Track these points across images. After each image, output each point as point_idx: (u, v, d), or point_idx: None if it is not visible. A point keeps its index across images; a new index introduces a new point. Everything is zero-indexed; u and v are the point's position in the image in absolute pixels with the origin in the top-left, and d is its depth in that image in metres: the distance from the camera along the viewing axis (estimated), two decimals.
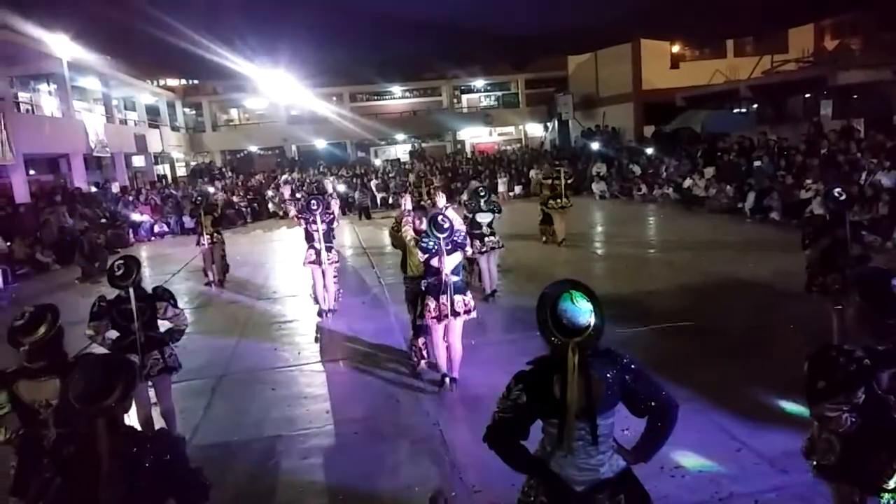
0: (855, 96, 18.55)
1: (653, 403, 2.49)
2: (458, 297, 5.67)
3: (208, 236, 11.02)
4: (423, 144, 36.35)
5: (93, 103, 27.13)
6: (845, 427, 2.62)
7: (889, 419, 2.64)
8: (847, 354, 2.58)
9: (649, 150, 22.87)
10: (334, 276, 8.82)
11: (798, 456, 3.08)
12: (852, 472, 2.74)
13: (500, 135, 38.46)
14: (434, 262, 5.63)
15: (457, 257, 5.72)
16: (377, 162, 34.17)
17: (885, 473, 2.66)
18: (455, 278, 5.70)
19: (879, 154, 13.41)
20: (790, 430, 4.27)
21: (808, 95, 21.06)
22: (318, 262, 8.45)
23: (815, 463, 2.88)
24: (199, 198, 12.02)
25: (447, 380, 5.89)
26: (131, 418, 3.36)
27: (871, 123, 16.51)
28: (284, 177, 27.89)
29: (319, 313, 8.80)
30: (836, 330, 5.54)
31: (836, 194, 5.66)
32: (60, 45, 19.44)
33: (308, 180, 26.34)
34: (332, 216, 8.72)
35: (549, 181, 12.43)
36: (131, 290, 4.64)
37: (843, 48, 22.25)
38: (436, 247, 5.57)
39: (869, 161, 13.23)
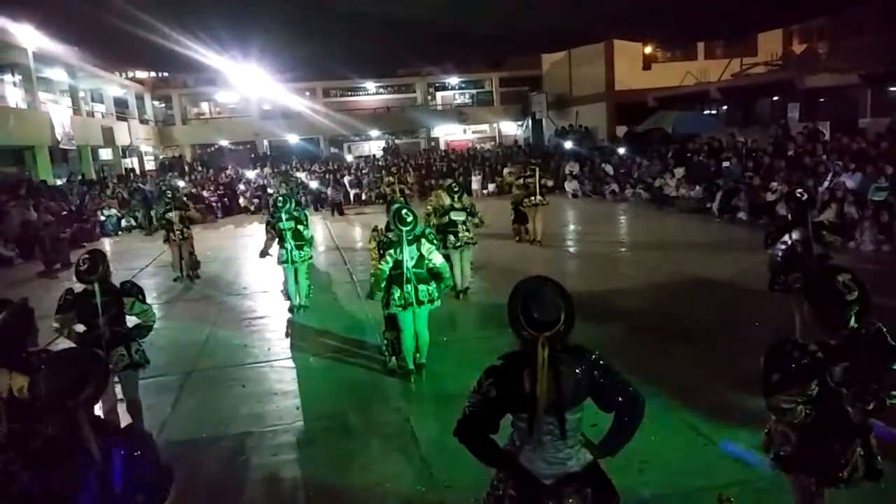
0: (821, 99, 18.97)
1: (620, 399, 2.54)
2: (421, 287, 5.81)
3: (178, 232, 10.89)
4: (397, 141, 36.23)
5: (59, 95, 26.54)
6: (800, 419, 2.70)
7: (842, 411, 2.72)
8: (801, 348, 2.66)
9: (621, 150, 23.11)
10: (305, 273, 8.79)
11: (760, 451, 3.17)
12: (809, 462, 2.82)
13: (474, 132, 38.53)
14: (398, 254, 5.75)
15: (416, 249, 5.79)
16: (350, 158, 34.01)
17: (840, 464, 2.74)
18: (419, 269, 5.82)
19: (844, 157, 13.74)
20: (754, 425, 4.36)
21: (775, 98, 21.48)
22: (289, 260, 8.40)
23: (772, 454, 2.96)
24: (169, 191, 11.90)
25: (413, 374, 6.02)
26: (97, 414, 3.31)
27: (837, 126, 16.91)
28: (256, 171, 27.53)
29: (291, 310, 8.75)
30: (799, 327, 5.67)
31: (798, 195, 5.80)
32: (25, 35, 18.98)
33: (279, 178, 26.02)
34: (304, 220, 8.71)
35: (522, 180, 12.50)
36: (96, 285, 4.57)
37: (810, 52, 22.76)
38: (396, 239, 5.72)
39: (833, 163, 13.54)
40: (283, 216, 8.34)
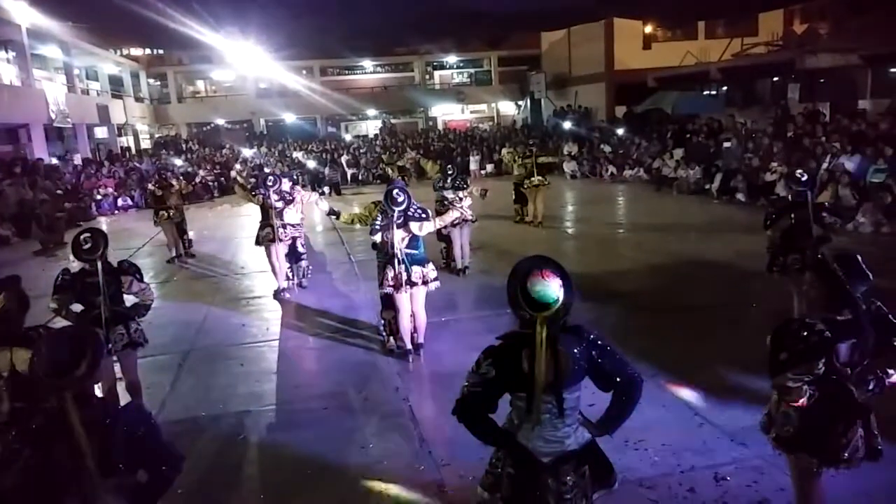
0: (822, 80, 18.85)
1: (618, 379, 2.55)
2: (415, 268, 5.82)
3: (174, 211, 10.87)
4: (395, 120, 35.99)
5: (54, 72, 26.26)
6: (804, 399, 2.71)
7: (845, 390, 2.73)
8: (808, 326, 2.67)
9: (620, 131, 23.00)
10: (303, 252, 8.76)
11: (756, 430, 3.18)
12: (810, 443, 2.83)
13: (472, 112, 38.26)
14: (386, 235, 5.76)
15: (407, 230, 5.77)
16: (348, 137, 33.81)
17: (841, 444, 2.76)
18: (412, 251, 5.83)
19: (843, 138, 13.68)
20: (750, 404, 4.41)
21: (776, 79, 21.33)
22: (274, 239, 8.32)
23: (774, 435, 2.97)
24: (164, 172, 11.90)
25: (411, 354, 6.05)
26: (97, 393, 3.32)
27: (837, 107, 16.82)
28: (251, 152, 27.33)
29: (277, 293, 8.61)
30: (797, 308, 5.69)
31: (798, 176, 5.78)
32: (19, 11, 18.75)
33: (274, 158, 25.78)
34: (291, 198, 8.44)
35: (520, 160, 12.53)
36: (98, 264, 4.54)
37: (811, 32, 22.56)
38: (385, 222, 5.75)
39: (831, 145, 13.49)
40: (273, 196, 8.26)
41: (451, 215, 6.42)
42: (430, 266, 6.01)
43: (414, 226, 5.78)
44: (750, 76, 22.07)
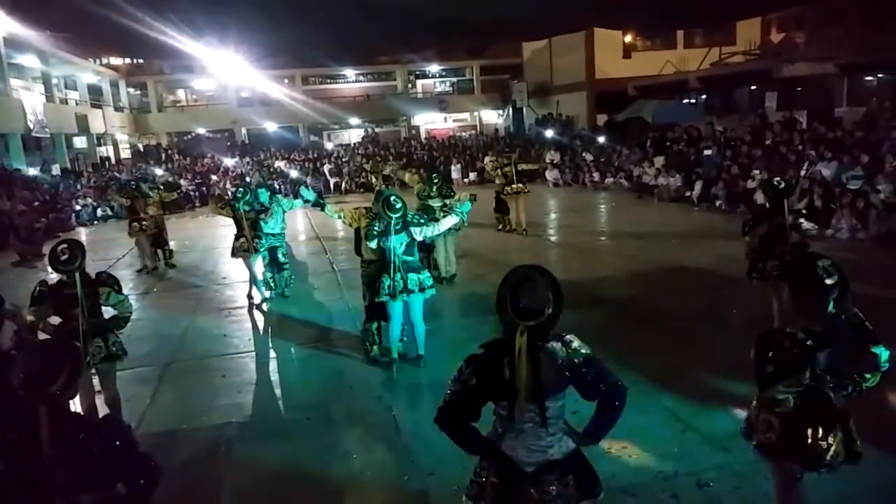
0: (799, 89, 19.16)
1: (602, 387, 2.54)
2: (411, 276, 5.74)
3: (145, 221, 10.76)
4: (377, 129, 36.00)
5: (31, 81, 25.99)
6: (788, 407, 2.73)
7: (824, 397, 2.76)
8: (792, 338, 2.69)
9: (601, 139, 23.18)
10: (285, 262, 8.71)
11: (739, 435, 3.20)
12: (793, 449, 2.85)
13: (454, 121, 38.39)
14: (384, 241, 5.69)
15: (405, 236, 5.72)
16: (330, 146, 33.76)
17: (822, 448, 2.78)
18: (408, 257, 5.76)
19: (820, 145, 13.90)
20: (731, 410, 4.44)
21: (753, 87, 21.67)
22: (249, 249, 8.27)
23: (755, 442, 2.99)
24: (133, 182, 11.82)
25: (395, 363, 5.99)
26: (75, 406, 3.27)
27: (814, 115, 17.09)
28: (235, 160, 27.22)
29: (259, 304, 8.54)
30: (777, 314, 5.75)
31: (775, 183, 5.85)
32: None
33: (255, 168, 25.60)
34: (263, 208, 8.39)
35: (500, 170, 12.54)
36: (76, 275, 4.48)
37: (788, 41, 22.95)
38: (383, 228, 5.64)
39: (807, 153, 13.69)
40: (243, 207, 8.22)
41: (451, 220, 6.33)
42: (426, 273, 5.94)
43: (414, 230, 5.73)
44: (728, 85, 22.39)
